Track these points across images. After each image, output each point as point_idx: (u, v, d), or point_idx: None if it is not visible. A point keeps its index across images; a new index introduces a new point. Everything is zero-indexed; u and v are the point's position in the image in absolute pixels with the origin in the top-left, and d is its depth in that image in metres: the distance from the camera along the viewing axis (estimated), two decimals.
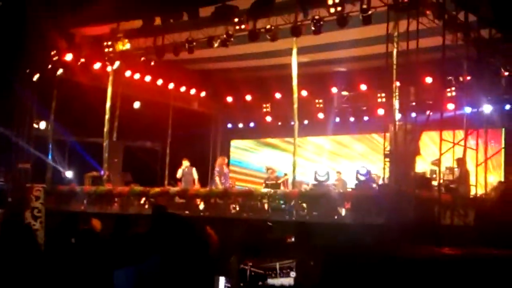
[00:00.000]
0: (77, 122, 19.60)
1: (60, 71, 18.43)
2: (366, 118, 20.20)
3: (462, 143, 14.11)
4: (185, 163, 17.85)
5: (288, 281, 5.13)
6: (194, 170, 17.99)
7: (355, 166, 16.74)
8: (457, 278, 3.58)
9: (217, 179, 17.56)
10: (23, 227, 4.41)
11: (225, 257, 5.24)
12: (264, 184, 17.69)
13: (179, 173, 17.82)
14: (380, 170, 14.15)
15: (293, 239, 7.73)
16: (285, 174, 18.25)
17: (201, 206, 15.58)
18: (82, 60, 18.41)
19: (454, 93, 16.65)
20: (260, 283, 4.97)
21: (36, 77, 18.21)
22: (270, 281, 5.00)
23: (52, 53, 18.01)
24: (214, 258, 6.38)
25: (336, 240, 6.67)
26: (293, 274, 5.26)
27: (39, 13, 16.60)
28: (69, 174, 19.63)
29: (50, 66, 18.27)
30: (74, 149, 20.14)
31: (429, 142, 16.85)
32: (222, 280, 4.37)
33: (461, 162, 14.39)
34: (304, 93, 19.72)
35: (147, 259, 3.66)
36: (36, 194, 17.38)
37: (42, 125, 18.98)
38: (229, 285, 4.74)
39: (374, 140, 19.15)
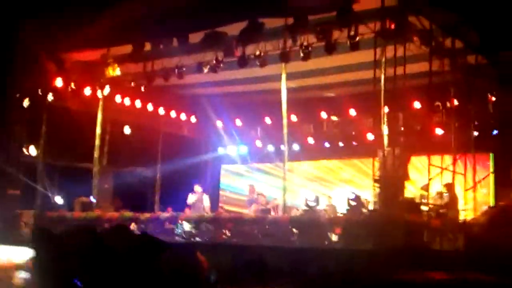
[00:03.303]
0: (67, 147, 19.54)
1: (50, 96, 18.42)
2: (355, 143, 20.29)
3: (451, 168, 14.21)
4: (198, 189, 17.80)
5: None
6: (206, 197, 17.94)
7: (345, 191, 16.77)
8: None
9: (261, 207, 17.53)
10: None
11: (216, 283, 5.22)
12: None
13: (190, 199, 17.73)
14: (370, 195, 14.18)
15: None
16: (275, 199, 18.23)
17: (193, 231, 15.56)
18: (72, 85, 18.42)
19: (442, 118, 16.78)
20: None
21: (26, 102, 18.19)
22: None
23: (42, 78, 18.02)
24: (204, 283, 6.34)
25: (327, 266, 6.66)
26: None
27: (29, 38, 16.63)
28: (58, 199, 19.52)
29: (40, 91, 18.26)
30: (64, 174, 20.06)
31: (420, 166, 16.91)
32: None
33: (450, 187, 14.49)
34: (293, 118, 19.82)
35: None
36: (26, 221, 17.30)
37: (32, 150, 18.90)
38: None
39: (363, 165, 19.17)
